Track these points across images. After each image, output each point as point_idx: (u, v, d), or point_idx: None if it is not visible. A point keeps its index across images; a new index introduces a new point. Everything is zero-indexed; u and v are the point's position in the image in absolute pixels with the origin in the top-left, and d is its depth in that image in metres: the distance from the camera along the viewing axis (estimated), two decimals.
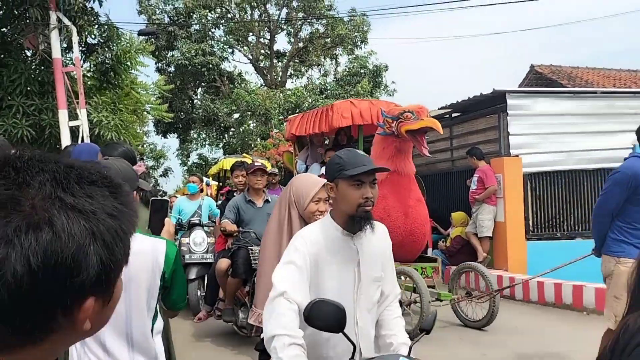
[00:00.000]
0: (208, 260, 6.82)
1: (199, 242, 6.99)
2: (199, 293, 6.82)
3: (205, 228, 7.23)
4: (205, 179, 13.85)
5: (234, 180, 6.31)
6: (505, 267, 8.63)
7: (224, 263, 5.38)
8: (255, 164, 5.53)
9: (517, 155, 8.99)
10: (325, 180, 3.00)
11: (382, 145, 6.19)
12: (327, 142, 8.77)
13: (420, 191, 6.54)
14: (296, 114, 9.98)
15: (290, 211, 3.00)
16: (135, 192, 2.10)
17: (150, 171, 35.16)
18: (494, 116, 9.43)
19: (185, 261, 6.57)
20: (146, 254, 2.02)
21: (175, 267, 2.13)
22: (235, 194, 6.27)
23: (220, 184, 14.00)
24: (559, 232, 9.46)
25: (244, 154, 16.93)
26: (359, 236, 2.15)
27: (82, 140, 9.81)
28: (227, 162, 12.30)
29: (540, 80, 15.87)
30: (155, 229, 2.30)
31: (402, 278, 5.96)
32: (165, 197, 4.33)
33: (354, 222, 2.11)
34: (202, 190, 8.88)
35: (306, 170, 7.83)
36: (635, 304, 1.32)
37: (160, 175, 36.15)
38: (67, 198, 0.69)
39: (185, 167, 30.41)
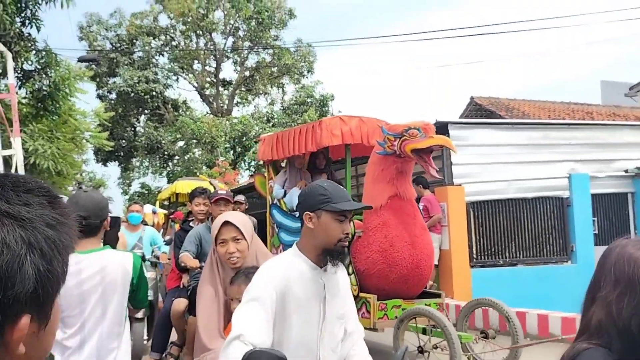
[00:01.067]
0: (148, 298, 6.30)
1: None
2: (145, 335, 6.11)
3: (148, 262, 6.52)
4: (151, 206, 12.93)
5: (194, 208, 5.57)
6: (451, 294, 8.73)
7: (181, 303, 4.74)
8: (220, 192, 5.05)
9: (460, 184, 9.20)
10: (227, 219, 2.82)
11: (381, 166, 5.54)
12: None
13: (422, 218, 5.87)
14: (270, 133, 8.65)
15: (215, 254, 2.86)
16: (107, 220, 2.55)
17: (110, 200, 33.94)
18: None
19: None
20: (118, 265, 2.48)
21: (140, 273, 2.60)
22: (192, 223, 5.60)
23: (172, 210, 12.95)
24: (502, 259, 9.68)
25: (200, 175, 16.22)
26: (326, 270, 2.07)
27: (16, 170, 9.36)
28: (182, 186, 11.01)
29: (480, 112, 16.42)
30: (110, 241, 2.72)
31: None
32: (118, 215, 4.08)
33: (330, 256, 2.03)
34: (143, 221, 8.29)
35: (284, 195, 7.00)
36: (582, 330, 1.34)
37: None
38: (1, 205, 0.64)
39: (127, 196, 29.58)
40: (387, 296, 5.53)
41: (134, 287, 2.59)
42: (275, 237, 7.05)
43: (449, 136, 9.23)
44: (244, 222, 2.85)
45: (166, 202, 15.30)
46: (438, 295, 5.86)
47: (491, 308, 5.87)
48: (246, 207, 8.46)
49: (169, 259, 6.45)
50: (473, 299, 5.94)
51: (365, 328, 5.70)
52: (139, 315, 6.02)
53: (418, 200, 9.03)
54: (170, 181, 24.30)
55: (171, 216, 10.09)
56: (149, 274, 6.27)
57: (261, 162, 9.92)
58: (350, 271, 5.61)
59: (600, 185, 10.18)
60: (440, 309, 5.59)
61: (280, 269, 2.03)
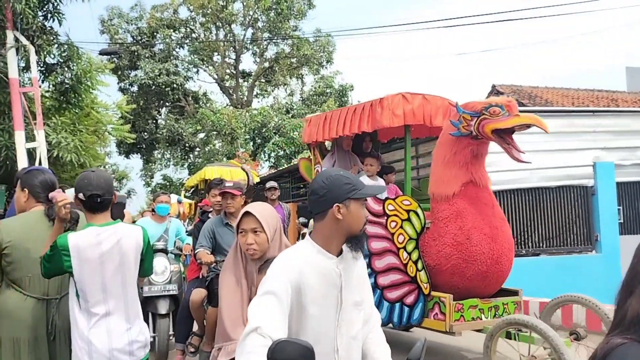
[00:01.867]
0: (171, 292, 5.88)
1: (160, 271, 5.91)
2: (170, 330, 5.94)
3: (171, 254, 6.35)
4: (176, 196, 12.63)
5: (211, 199, 5.40)
6: None
7: (199, 293, 4.71)
8: (226, 184, 4.82)
9: None
10: (248, 209, 2.78)
11: (453, 149, 4.91)
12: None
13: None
14: (317, 113, 8.10)
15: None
16: (114, 194, 2.81)
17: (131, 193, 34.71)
18: None
19: (143, 294, 5.69)
20: (131, 237, 2.76)
21: (147, 245, 2.88)
22: (210, 214, 5.42)
23: (200, 197, 11.82)
24: (524, 249, 9.56)
25: (231, 160, 15.97)
26: (341, 259, 2.06)
27: (40, 162, 9.51)
28: (211, 172, 10.63)
29: None
30: (117, 216, 2.92)
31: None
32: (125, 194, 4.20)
33: (356, 242, 2.04)
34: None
35: None
36: (616, 323, 1.30)
37: None
38: None
39: (149, 188, 29.93)
40: (461, 295, 4.95)
41: (142, 257, 2.86)
42: None
43: None
44: (266, 214, 2.81)
45: (188, 194, 15.30)
46: (515, 293, 5.23)
47: (578, 304, 5.18)
48: (279, 193, 8.41)
49: (191, 250, 6.43)
50: (559, 295, 5.23)
51: (440, 331, 5.06)
52: (163, 311, 5.89)
53: None
54: (191, 173, 24.48)
55: (199, 204, 9.91)
56: (173, 267, 6.15)
57: (305, 146, 9.30)
58: (420, 267, 5.11)
59: (625, 173, 9.98)
60: (517, 307, 5.09)
61: (295, 260, 2.02)
